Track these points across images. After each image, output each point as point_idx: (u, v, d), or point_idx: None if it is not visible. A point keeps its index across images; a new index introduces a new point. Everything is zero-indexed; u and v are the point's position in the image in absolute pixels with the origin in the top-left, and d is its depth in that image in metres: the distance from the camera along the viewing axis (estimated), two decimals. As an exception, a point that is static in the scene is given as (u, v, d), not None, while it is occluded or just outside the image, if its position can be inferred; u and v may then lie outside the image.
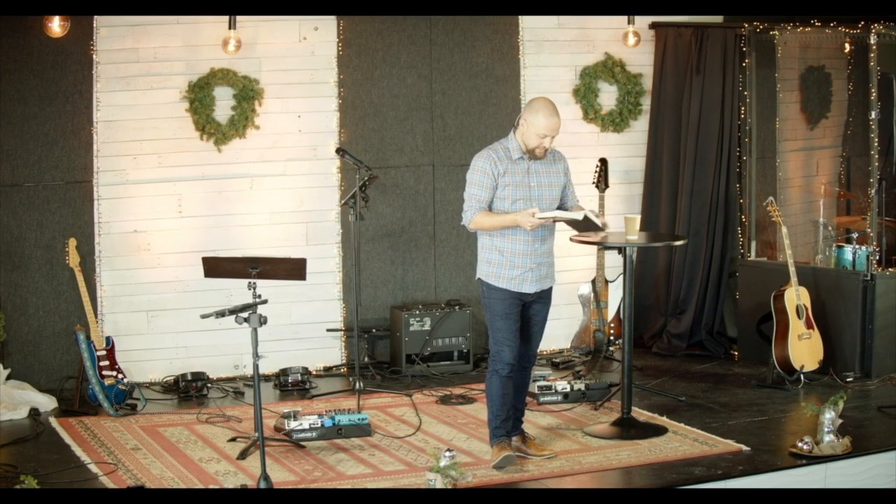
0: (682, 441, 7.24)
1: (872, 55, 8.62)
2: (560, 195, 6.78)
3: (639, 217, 7.80)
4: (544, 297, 6.81)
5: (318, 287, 9.05)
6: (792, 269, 8.46)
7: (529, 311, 6.78)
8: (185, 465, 6.88)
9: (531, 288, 6.68)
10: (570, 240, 7.39)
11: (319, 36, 9.00)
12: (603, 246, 8.82)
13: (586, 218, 6.53)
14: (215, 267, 6.88)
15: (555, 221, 6.64)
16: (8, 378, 8.12)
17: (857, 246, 8.94)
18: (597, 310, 9.36)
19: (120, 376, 8.02)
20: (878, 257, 8.79)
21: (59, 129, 8.40)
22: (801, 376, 8.42)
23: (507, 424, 6.78)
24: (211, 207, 8.82)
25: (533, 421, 7.61)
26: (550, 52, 9.62)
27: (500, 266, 6.65)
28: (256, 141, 8.89)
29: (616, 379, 8.32)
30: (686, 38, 9.63)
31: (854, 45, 9.34)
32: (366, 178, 8.28)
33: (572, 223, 6.68)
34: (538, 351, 7.06)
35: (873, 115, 8.72)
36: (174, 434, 7.49)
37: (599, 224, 6.59)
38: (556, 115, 6.56)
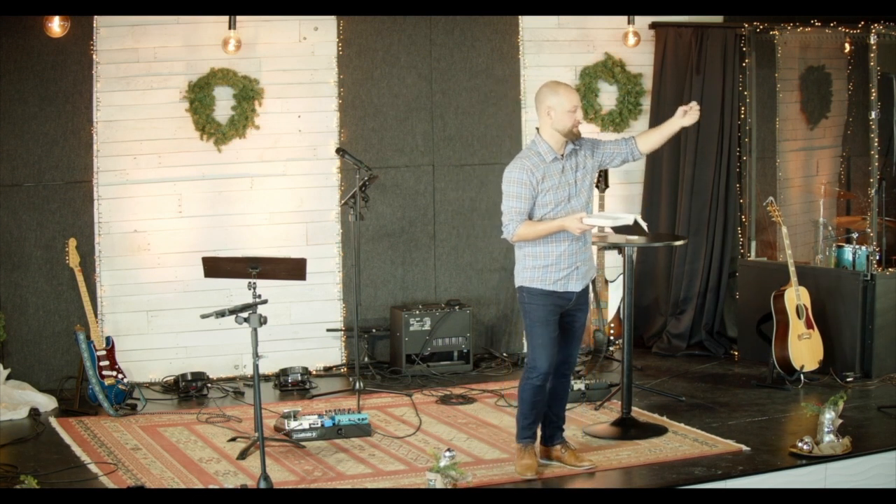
0: (682, 441, 7.24)
1: (872, 55, 8.61)
2: (593, 180, 6.64)
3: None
4: (582, 301, 6.68)
5: (318, 287, 9.05)
6: (792, 269, 8.46)
7: (568, 317, 6.63)
8: (185, 465, 6.88)
9: (577, 286, 6.55)
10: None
11: (319, 36, 9.00)
12: (603, 246, 8.82)
13: (637, 223, 6.32)
14: (215, 267, 6.88)
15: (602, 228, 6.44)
16: (8, 378, 8.12)
17: (857, 246, 8.94)
18: (597, 310, 9.36)
19: (120, 376, 8.02)
20: (878, 257, 8.79)
21: (59, 129, 8.40)
22: (801, 376, 8.42)
23: (534, 427, 6.69)
24: (211, 207, 8.82)
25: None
26: (550, 52, 9.61)
27: (546, 270, 6.47)
28: (256, 141, 8.89)
29: (616, 379, 8.31)
30: (686, 38, 9.62)
31: (854, 45, 9.34)
32: (366, 178, 8.28)
33: (617, 228, 6.54)
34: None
35: (873, 115, 8.72)
36: (174, 434, 7.48)
37: (645, 229, 6.42)
38: (569, 85, 6.55)
